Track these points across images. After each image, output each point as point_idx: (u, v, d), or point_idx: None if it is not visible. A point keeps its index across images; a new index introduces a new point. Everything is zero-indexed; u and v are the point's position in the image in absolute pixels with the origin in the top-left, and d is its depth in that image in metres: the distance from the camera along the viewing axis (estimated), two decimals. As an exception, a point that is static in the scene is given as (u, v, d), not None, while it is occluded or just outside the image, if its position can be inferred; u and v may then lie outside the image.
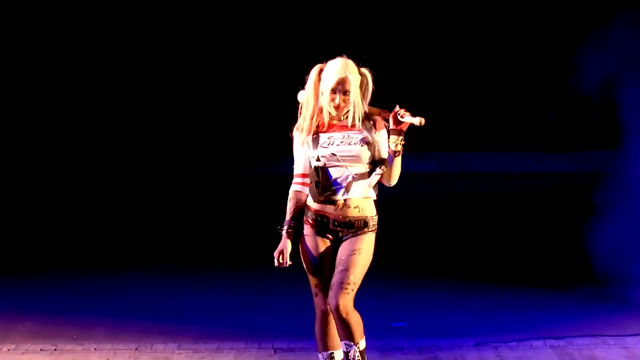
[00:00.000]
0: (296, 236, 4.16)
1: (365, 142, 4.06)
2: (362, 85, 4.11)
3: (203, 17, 18.43)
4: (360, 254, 4.05)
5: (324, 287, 4.10)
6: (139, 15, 17.91)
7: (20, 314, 6.37)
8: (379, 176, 4.09)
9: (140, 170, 15.93)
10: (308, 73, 4.15)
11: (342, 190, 4.07)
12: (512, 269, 8.15)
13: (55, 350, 5.43)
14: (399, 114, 3.98)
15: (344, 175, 4.07)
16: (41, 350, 5.43)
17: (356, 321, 4.02)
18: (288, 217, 4.15)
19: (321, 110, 4.11)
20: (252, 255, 8.43)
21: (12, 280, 7.67)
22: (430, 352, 5.37)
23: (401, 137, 4.00)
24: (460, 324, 6.14)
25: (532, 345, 5.48)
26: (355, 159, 4.06)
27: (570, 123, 19.33)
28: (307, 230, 4.14)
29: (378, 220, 4.15)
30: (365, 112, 4.11)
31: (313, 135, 4.11)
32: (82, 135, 17.38)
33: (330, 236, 4.12)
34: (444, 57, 20.05)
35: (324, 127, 4.12)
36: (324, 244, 4.13)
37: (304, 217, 4.15)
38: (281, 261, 4.11)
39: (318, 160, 4.08)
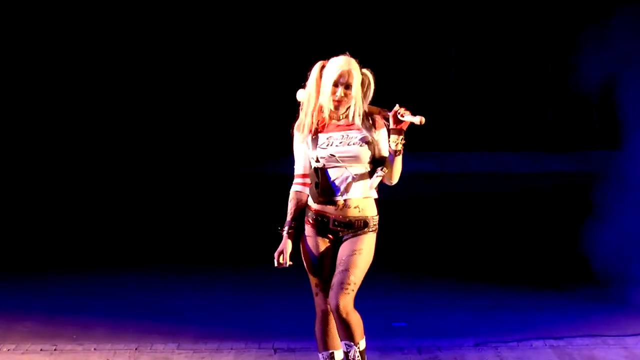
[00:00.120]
0: (297, 236, 4.16)
1: (364, 141, 4.06)
2: (364, 85, 4.11)
3: (203, 17, 18.43)
4: (360, 254, 4.05)
5: (325, 287, 4.11)
6: (139, 15, 17.91)
7: (20, 314, 6.37)
8: (380, 178, 4.08)
9: (141, 170, 15.92)
10: (310, 70, 4.15)
11: (342, 191, 4.07)
12: (512, 269, 8.15)
13: (55, 350, 5.43)
14: (399, 113, 3.97)
15: (344, 176, 4.07)
16: (41, 350, 5.43)
17: (356, 321, 4.02)
18: (289, 217, 4.15)
19: (322, 108, 4.11)
20: (252, 255, 8.43)
21: (12, 280, 7.67)
22: (430, 352, 5.37)
23: (402, 137, 4.00)
24: (460, 324, 6.14)
25: (532, 346, 5.48)
26: (355, 159, 4.05)
27: (570, 123, 19.34)
28: (308, 230, 4.14)
29: (379, 220, 4.16)
30: (365, 111, 4.11)
31: (312, 135, 4.11)
32: (82, 135, 17.38)
33: (330, 236, 4.13)
34: (444, 57, 20.05)
35: (323, 127, 4.12)
36: (324, 244, 4.13)
37: (305, 217, 4.15)
38: (281, 262, 4.11)
39: (317, 161, 4.08)
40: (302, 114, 4.16)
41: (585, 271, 7.14)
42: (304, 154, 4.14)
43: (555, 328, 5.89)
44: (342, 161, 4.05)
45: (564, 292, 7.09)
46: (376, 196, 4.15)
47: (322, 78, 4.09)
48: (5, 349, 5.44)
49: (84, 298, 7.01)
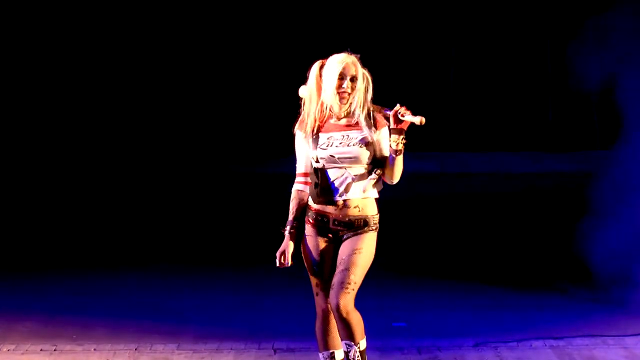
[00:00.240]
0: (298, 236, 4.16)
1: (364, 142, 4.06)
2: (365, 82, 4.11)
3: (203, 17, 18.42)
4: (360, 254, 4.05)
5: (325, 287, 4.11)
6: (139, 15, 17.91)
7: (20, 314, 6.37)
8: (374, 180, 4.09)
9: (141, 170, 15.92)
10: (309, 70, 4.15)
11: (341, 192, 4.07)
12: (512, 269, 8.15)
13: (55, 350, 5.44)
14: (399, 113, 3.97)
15: (343, 177, 4.07)
16: (41, 350, 5.43)
17: (357, 321, 4.02)
18: (290, 217, 4.16)
19: (323, 106, 4.11)
20: (252, 255, 8.43)
21: (12, 280, 7.67)
22: (430, 352, 5.37)
23: (402, 136, 4.00)
24: (460, 324, 6.14)
25: (531, 346, 5.48)
26: (354, 160, 4.05)
27: (570, 123, 19.33)
28: (308, 229, 4.14)
29: (379, 219, 4.16)
30: (368, 108, 4.11)
31: (313, 135, 4.11)
32: (82, 135, 17.38)
33: (331, 235, 4.13)
34: (444, 57, 20.05)
35: (324, 126, 4.12)
36: (324, 244, 4.13)
37: (305, 217, 4.15)
38: (282, 261, 4.11)
39: (317, 161, 4.08)
40: (304, 113, 4.16)
41: (585, 271, 7.14)
42: (306, 153, 4.14)
43: (555, 328, 5.89)
44: (342, 162, 4.06)
45: (563, 292, 7.09)
46: (376, 196, 4.15)
47: (323, 76, 4.09)
48: (5, 349, 5.45)
49: (84, 298, 7.01)
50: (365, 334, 4.07)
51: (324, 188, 4.07)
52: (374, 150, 4.08)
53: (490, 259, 8.66)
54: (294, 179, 4.21)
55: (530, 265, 8.30)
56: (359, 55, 4.12)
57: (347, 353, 4.05)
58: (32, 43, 17.17)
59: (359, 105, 4.07)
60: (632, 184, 7.22)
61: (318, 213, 4.11)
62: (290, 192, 4.20)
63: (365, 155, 4.06)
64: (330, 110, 4.11)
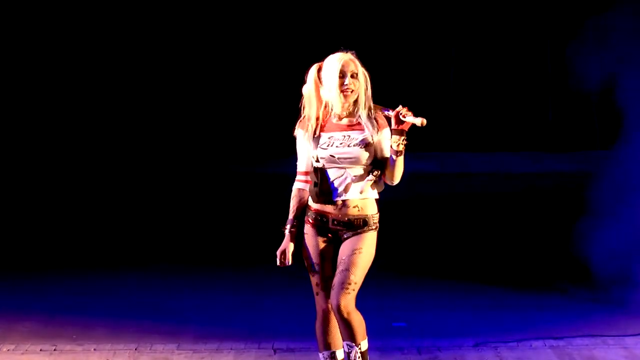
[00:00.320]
0: (299, 235, 4.16)
1: (365, 143, 4.05)
2: (364, 80, 4.11)
3: (203, 17, 18.43)
4: (360, 253, 4.05)
5: (325, 287, 4.11)
6: (139, 15, 17.91)
7: (20, 314, 6.37)
8: (371, 182, 4.09)
9: (141, 170, 15.92)
10: (306, 73, 4.15)
11: (341, 192, 4.07)
12: (511, 269, 8.15)
13: (54, 350, 5.43)
14: (401, 114, 3.97)
15: (343, 177, 4.07)
16: (41, 350, 5.43)
17: (358, 322, 4.02)
18: (291, 215, 4.16)
19: (325, 106, 4.11)
20: (252, 255, 8.44)
21: (12, 280, 7.67)
22: (430, 352, 5.37)
23: (403, 137, 3.99)
24: (460, 324, 6.14)
25: (531, 346, 5.48)
26: (354, 160, 4.05)
27: (570, 123, 19.33)
28: (308, 229, 4.14)
29: (379, 219, 4.15)
30: (370, 106, 4.10)
31: (314, 134, 4.11)
32: (82, 135, 17.38)
33: (330, 235, 4.13)
34: (444, 57, 20.05)
35: (325, 126, 4.12)
36: (324, 243, 4.13)
37: (305, 217, 4.15)
38: (283, 260, 4.11)
39: (317, 160, 4.09)
40: (304, 116, 4.16)
41: (585, 271, 7.14)
42: (307, 152, 4.14)
43: (555, 328, 5.89)
44: (342, 162, 4.06)
45: (563, 293, 7.09)
46: (376, 197, 4.15)
47: (323, 78, 4.09)
48: (5, 349, 5.45)
49: (84, 298, 7.01)
50: (366, 334, 4.06)
51: (324, 188, 4.07)
52: (375, 151, 4.08)
53: (490, 259, 8.66)
54: (295, 178, 4.21)
55: (530, 265, 8.30)
56: (354, 52, 4.12)
57: (348, 354, 4.05)
58: (32, 43, 17.18)
59: (362, 103, 4.07)
60: (632, 184, 7.22)
61: (317, 213, 4.11)
62: (291, 192, 4.20)
63: (365, 156, 4.05)
64: (332, 109, 4.11)
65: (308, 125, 4.13)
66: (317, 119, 4.11)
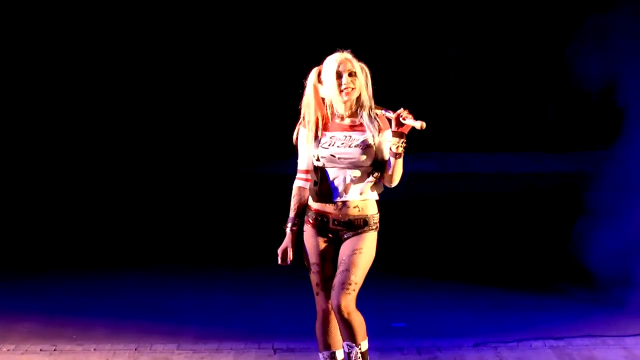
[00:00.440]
0: (299, 234, 4.16)
1: (365, 144, 4.05)
2: (364, 76, 4.11)
3: (203, 17, 18.42)
4: (361, 254, 4.05)
5: (325, 287, 4.11)
6: (139, 15, 17.90)
7: (20, 314, 6.37)
8: (371, 184, 4.09)
9: (141, 170, 15.92)
10: (306, 78, 4.14)
11: (340, 192, 4.07)
12: (512, 269, 8.15)
13: (54, 350, 5.44)
14: (401, 116, 3.98)
15: (342, 177, 4.07)
16: (41, 350, 5.43)
17: (358, 322, 4.02)
18: (292, 214, 4.16)
19: (326, 107, 4.11)
20: (252, 255, 8.44)
21: (12, 280, 7.67)
22: (429, 353, 5.37)
23: (403, 140, 4.00)
24: (460, 324, 6.14)
25: (531, 346, 5.48)
26: (355, 161, 4.05)
27: (570, 123, 19.33)
28: (308, 229, 4.14)
29: (379, 219, 4.15)
30: (372, 107, 4.10)
31: (316, 133, 4.10)
32: (82, 135, 17.37)
33: (331, 235, 4.13)
34: (444, 57, 20.05)
35: (327, 125, 4.12)
36: (324, 243, 4.13)
37: (305, 217, 4.15)
38: (284, 259, 4.11)
39: (318, 160, 4.09)
40: (304, 118, 4.15)
41: (585, 271, 7.14)
42: (308, 150, 4.14)
43: (555, 328, 5.89)
44: (342, 162, 4.06)
45: (563, 293, 7.09)
46: (376, 198, 4.15)
47: (323, 80, 4.09)
48: (4, 349, 5.45)
49: (84, 298, 7.02)
50: (366, 334, 4.06)
51: (324, 187, 4.08)
52: (375, 153, 4.08)
53: (491, 259, 8.66)
54: (295, 176, 4.21)
55: (530, 266, 8.30)
56: (350, 50, 4.12)
57: (348, 354, 4.05)
58: (32, 43, 17.17)
59: (365, 100, 4.07)
60: (632, 184, 7.22)
61: (318, 213, 4.11)
62: (291, 191, 4.20)
63: (365, 157, 4.05)
64: (335, 110, 4.11)
65: (309, 124, 4.13)
66: (317, 121, 4.11)
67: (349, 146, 4.06)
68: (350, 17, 18.49)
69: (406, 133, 3.99)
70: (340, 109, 4.10)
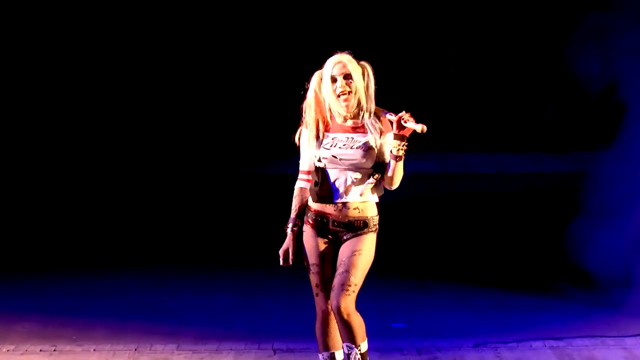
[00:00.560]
0: (300, 234, 4.16)
1: (367, 146, 4.05)
2: (364, 76, 4.09)
3: (203, 17, 18.42)
4: (360, 255, 4.05)
5: (325, 287, 4.11)
6: (139, 15, 17.90)
7: (20, 314, 6.38)
8: (372, 185, 4.09)
9: (140, 170, 15.91)
10: (307, 80, 4.15)
11: (341, 193, 4.07)
12: (511, 269, 8.15)
13: (54, 351, 5.44)
14: (402, 119, 3.97)
15: (343, 179, 4.07)
16: (40, 350, 5.44)
17: (358, 323, 4.02)
18: (293, 214, 4.16)
19: (328, 109, 4.11)
20: (252, 255, 8.44)
21: (12, 280, 7.67)
22: (429, 353, 5.37)
23: (404, 142, 4.00)
24: (460, 325, 6.14)
25: (531, 346, 5.48)
26: (355, 163, 4.05)
27: (570, 123, 19.33)
28: (308, 230, 4.14)
29: (379, 221, 4.16)
30: (372, 108, 4.10)
31: (317, 134, 4.10)
32: (82, 135, 17.37)
33: (330, 237, 4.13)
34: (444, 57, 20.04)
35: (329, 126, 4.12)
36: (324, 244, 4.13)
37: (305, 217, 4.15)
38: (286, 260, 4.11)
39: (319, 160, 4.09)
40: (306, 120, 4.16)
41: (585, 272, 7.14)
42: (310, 151, 4.14)
43: (555, 329, 5.89)
44: (343, 164, 4.06)
45: (563, 293, 7.09)
46: (377, 200, 4.15)
47: (322, 85, 4.09)
48: (4, 350, 5.45)
49: (84, 298, 7.02)
50: (366, 335, 4.07)
51: (324, 188, 4.08)
52: (377, 155, 4.08)
53: (490, 259, 8.66)
54: (297, 177, 4.21)
55: (530, 266, 8.30)
56: (349, 51, 4.11)
57: (348, 355, 4.05)
58: (32, 43, 17.17)
59: (364, 104, 4.06)
60: (632, 184, 7.22)
61: (318, 214, 4.11)
62: (291, 192, 4.20)
63: (366, 159, 4.05)
64: (334, 112, 4.11)
65: (310, 124, 4.13)
66: (317, 122, 4.11)
67: (351, 148, 4.06)
68: (351, 18, 18.48)
69: (407, 136, 3.99)
70: (341, 112, 4.10)
